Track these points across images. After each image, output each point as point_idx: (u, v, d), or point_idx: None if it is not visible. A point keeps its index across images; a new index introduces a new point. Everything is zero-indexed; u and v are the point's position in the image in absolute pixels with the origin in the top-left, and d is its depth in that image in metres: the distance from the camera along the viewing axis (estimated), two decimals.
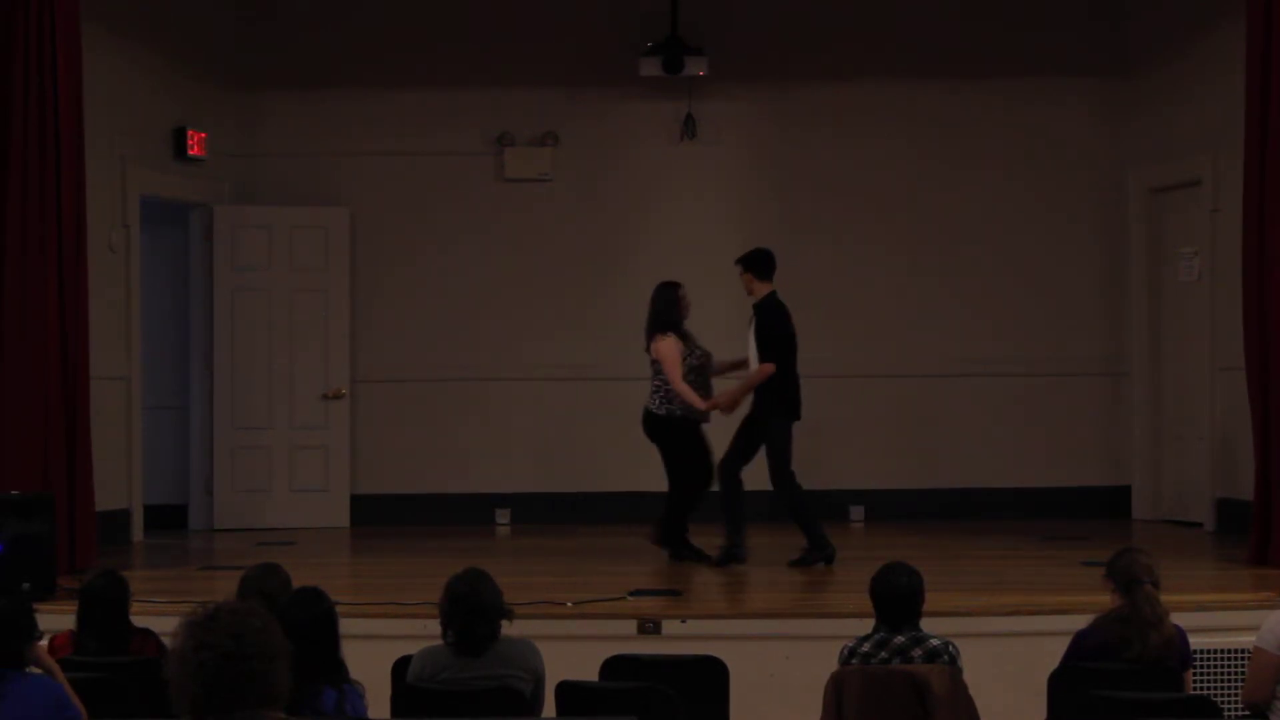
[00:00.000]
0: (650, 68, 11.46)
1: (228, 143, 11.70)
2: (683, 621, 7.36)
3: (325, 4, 11.91)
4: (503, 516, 11.64)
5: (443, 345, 11.83)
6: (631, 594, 7.85)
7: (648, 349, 9.36)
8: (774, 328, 9.24)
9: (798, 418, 9.39)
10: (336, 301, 11.73)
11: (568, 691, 5.49)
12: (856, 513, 11.72)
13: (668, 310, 9.33)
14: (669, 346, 9.23)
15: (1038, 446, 11.82)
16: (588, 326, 11.69)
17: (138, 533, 10.80)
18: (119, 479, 10.56)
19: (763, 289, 9.34)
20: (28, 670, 4.97)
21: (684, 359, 9.24)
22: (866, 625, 5.55)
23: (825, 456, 11.78)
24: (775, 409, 9.27)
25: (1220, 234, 10.51)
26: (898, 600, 5.47)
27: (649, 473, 11.49)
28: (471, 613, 5.30)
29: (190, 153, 11.31)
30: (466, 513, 11.59)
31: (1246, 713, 5.54)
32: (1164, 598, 5.78)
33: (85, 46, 9.33)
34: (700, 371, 9.34)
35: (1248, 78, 9.01)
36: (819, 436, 11.77)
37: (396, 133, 11.90)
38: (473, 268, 11.85)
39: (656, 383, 9.30)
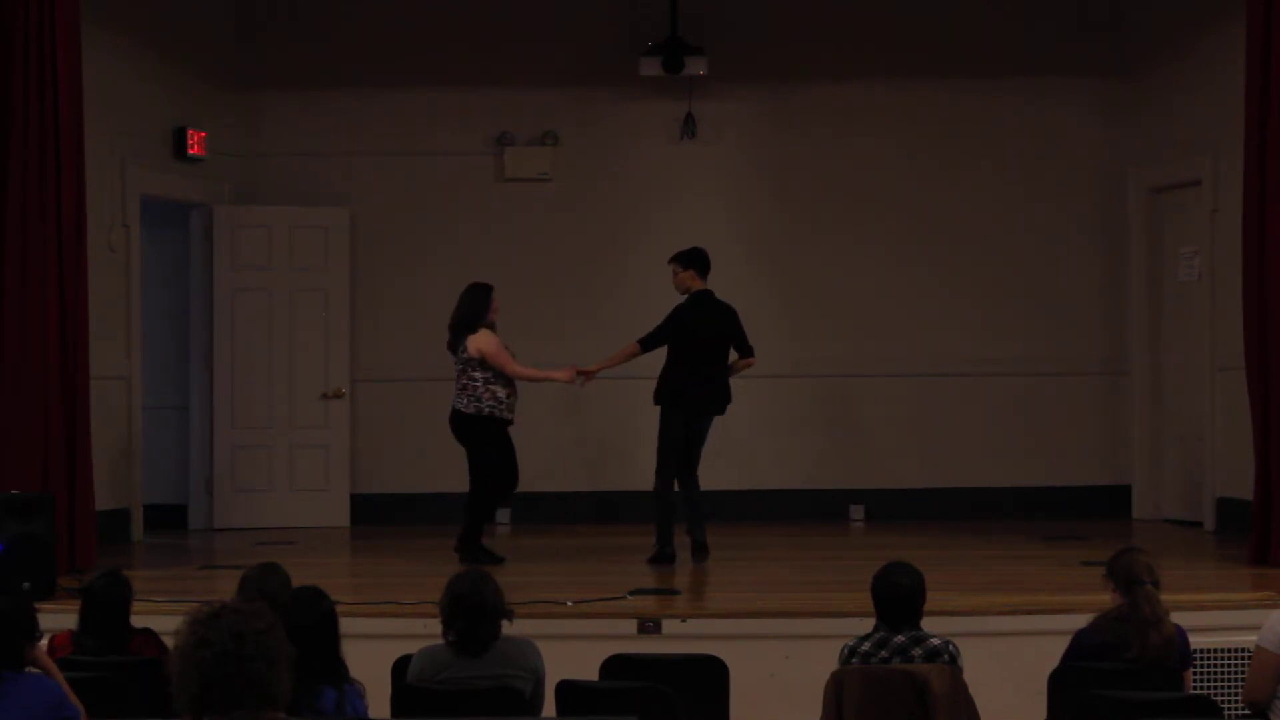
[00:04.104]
0: (650, 68, 11.46)
1: (228, 143, 11.70)
2: (683, 621, 7.36)
3: (325, 4, 11.91)
4: (503, 516, 11.63)
5: (442, 345, 11.79)
6: (631, 594, 7.85)
7: (456, 349, 9.31)
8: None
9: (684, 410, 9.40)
10: (336, 301, 11.73)
11: (568, 691, 5.49)
12: (856, 512, 11.72)
13: (480, 311, 9.35)
14: (489, 339, 9.27)
15: (1038, 446, 11.82)
16: (588, 326, 11.67)
17: (138, 533, 10.80)
18: (119, 479, 10.56)
19: (698, 285, 9.50)
20: (27, 670, 4.97)
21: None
22: (866, 625, 5.55)
23: (825, 456, 11.81)
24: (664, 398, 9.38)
25: (1220, 234, 10.51)
26: (898, 600, 5.47)
27: (643, 473, 11.53)
28: (473, 612, 5.30)
29: (190, 153, 11.31)
30: None
31: (1247, 712, 5.54)
32: (1164, 597, 5.78)
33: (85, 46, 9.32)
34: (490, 368, 9.31)
35: (1248, 78, 9.01)
36: (819, 436, 11.80)
37: (396, 133, 11.90)
38: (473, 267, 11.78)
39: (464, 381, 9.27)
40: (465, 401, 9.27)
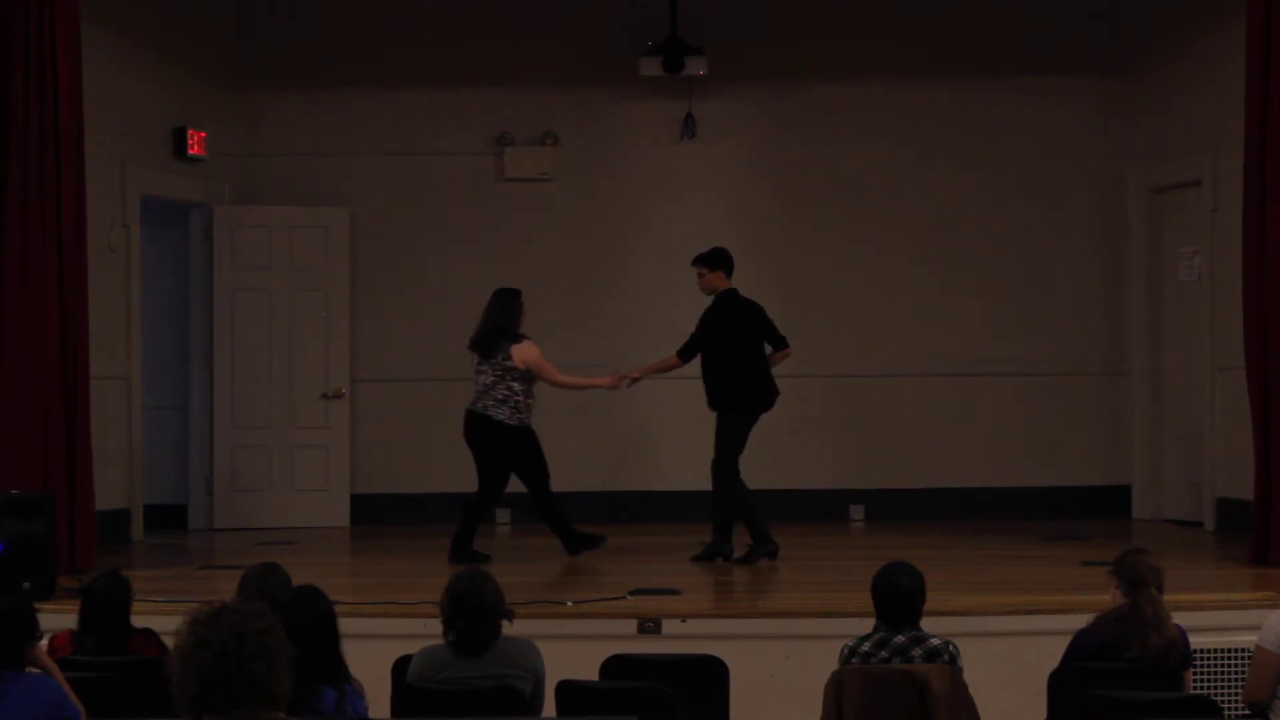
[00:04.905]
0: (650, 68, 11.46)
1: (228, 143, 11.70)
2: (683, 621, 7.36)
3: (325, 4, 11.92)
4: (503, 516, 11.64)
5: (443, 345, 11.79)
6: (631, 593, 7.85)
7: (490, 355, 9.30)
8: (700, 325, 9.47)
9: (762, 408, 9.43)
10: (336, 301, 11.73)
11: (568, 691, 5.49)
12: (856, 512, 11.73)
13: (515, 316, 9.38)
14: (534, 351, 9.30)
15: (1038, 446, 11.82)
16: (587, 326, 11.70)
17: (138, 532, 10.80)
18: (119, 479, 10.57)
19: (724, 285, 9.51)
20: (27, 670, 4.97)
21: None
22: (866, 625, 5.55)
23: (825, 456, 11.81)
24: (729, 403, 9.38)
25: (1220, 234, 10.51)
26: (899, 601, 5.47)
27: (650, 471, 11.55)
28: (473, 612, 5.30)
29: (190, 153, 11.31)
30: None
31: (1247, 712, 5.54)
32: (1165, 598, 5.78)
33: (85, 46, 9.32)
34: (529, 378, 9.36)
35: (1248, 78, 9.01)
36: (819, 436, 11.80)
37: (396, 133, 11.90)
38: (472, 267, 11.84)
39: (504, 392, 9.25)
40: (508, 413, 9.28)
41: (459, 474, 11.70)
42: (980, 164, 11.89)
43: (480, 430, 9.34)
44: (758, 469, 11.19)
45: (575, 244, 11.89)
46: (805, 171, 11.91)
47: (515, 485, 11.67)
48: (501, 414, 9.27)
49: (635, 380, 9.77)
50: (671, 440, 11.50)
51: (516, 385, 9.26)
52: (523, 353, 9.27)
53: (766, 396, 9.44)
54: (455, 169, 11.92)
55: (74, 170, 9.12)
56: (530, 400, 9.35)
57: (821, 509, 11.59)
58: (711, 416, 9.56)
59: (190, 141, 11.30)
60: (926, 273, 11.87)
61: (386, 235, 11.88)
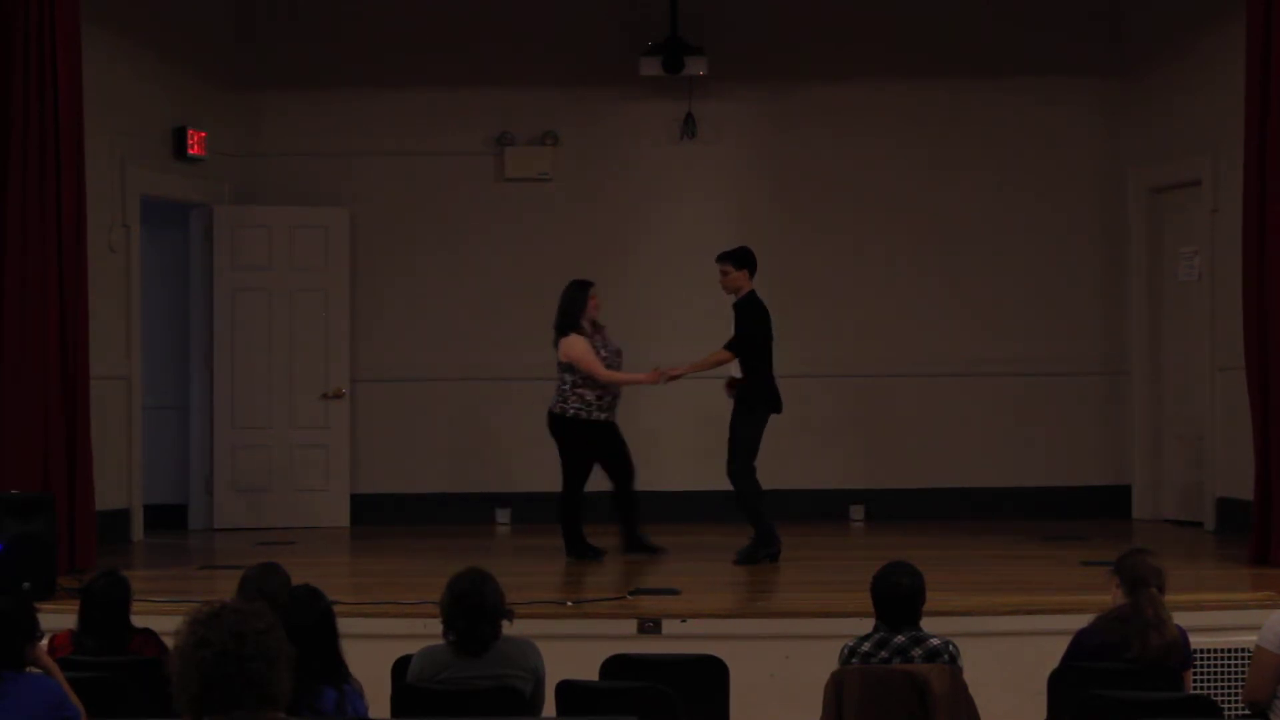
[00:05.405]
0: (650, 68, 11.47)
1: (228, 143, 11.70)
2: (683, 621, 7.36)
3: (325, 4, 11.92)
4: (503, 516, 11.64)
5: (443, 345, 11.84)
6: (631, 594, 7.86)
7: (556, 350, 9.45)
8: (745, 324, 9.45)
9: (775, 411, 9.45)
10: (336, 301, 11.73)
11: (568, 691, 5.50)
12: (856, 512, 11.73)
13: (574, 311, 9.46)
14: (577, 345, 9.34)
15: (1038, 446, 11.82)
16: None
17: (138, 532, 10.80)
18: (119, 479, 10.57)
19: (748, 285, 9.48)
20: (27, 670, 4.97)
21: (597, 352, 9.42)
22: (866, 625, 5.56)
23: (825, 456, 11.81)
24: (751, 402, 9.40)
25: (1220, 234, 10.52)
26: (899, 601, 5.47)
27: (648, 472, 11.50)
28: (474, 612, 5.30)
29: (190, 152, 11.31)
30: (466, 513, 11.59)
31: (1247, 712, 5.54)
32: (1165, 598, 5.78)
33: (85, 46, 9.33)
34: (578, 370, 9.41)
35: (1248, 78, 9.01)
36: (819, 436, 11.80)
37: (396, 133, 11.91)
38: (473, 267, 11.86)
39: (558, 382, 9.41)
40: (554, 401, 9.46)
41: (458, 474, 11.77)
42: (980, 164, 11.89)
43: (548, 423, 9.54)
44: (759, 469, 11.21)
45: (575, 244, 11.88)
46: (805, 171, 11.91)
47: (515, 487, 11.73)
48: (551, 402, 9.48)
49: (675, 377, 9.74)
50: (672, 440, 11.48)
51: (567, 377, 9.41)
52: (565, 347, 9.40)
53: (777, 401, 9.47)
54: (455, 169, 11.93)
55: (74, 170, 9.12)
56: (581, 391, 9.37)
57: (822, 509, 11.59)
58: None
59: (190, 141, 11.30)
60: (926, 273, 11.87)
61: (386, 235, 11.88)
